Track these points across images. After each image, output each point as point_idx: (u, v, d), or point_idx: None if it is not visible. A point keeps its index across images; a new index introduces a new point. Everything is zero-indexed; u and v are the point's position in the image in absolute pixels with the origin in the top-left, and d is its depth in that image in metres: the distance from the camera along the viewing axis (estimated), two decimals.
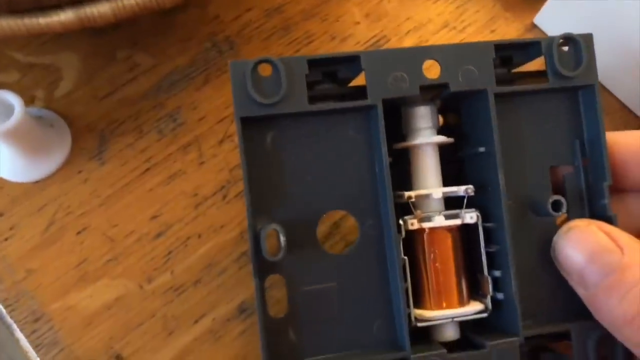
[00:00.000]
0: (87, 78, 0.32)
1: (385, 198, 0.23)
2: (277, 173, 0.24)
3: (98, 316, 0.28)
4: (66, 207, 0.29)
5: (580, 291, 0.23)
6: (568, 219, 0.25)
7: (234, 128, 0.32)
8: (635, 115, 0.35)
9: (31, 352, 0.27)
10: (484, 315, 0.25)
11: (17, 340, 0.28)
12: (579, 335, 0.24)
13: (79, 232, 0.29)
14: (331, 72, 0.25)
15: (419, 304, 0.25)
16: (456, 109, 0.27)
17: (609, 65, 0.33)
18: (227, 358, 0.28)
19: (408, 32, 0.35)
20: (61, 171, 0.30)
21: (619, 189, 0.26)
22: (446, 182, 0.26)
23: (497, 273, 0.24)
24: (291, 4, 0.35)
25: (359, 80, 0.24)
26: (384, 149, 0.23)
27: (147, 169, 0.31)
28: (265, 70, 0.23)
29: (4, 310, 0.28)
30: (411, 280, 0.24)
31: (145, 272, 0.29)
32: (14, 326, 0.27)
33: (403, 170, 0.26)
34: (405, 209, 0.24)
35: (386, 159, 0.23)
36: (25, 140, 0.29)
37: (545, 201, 0.24)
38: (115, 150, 0.31)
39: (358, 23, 0.35)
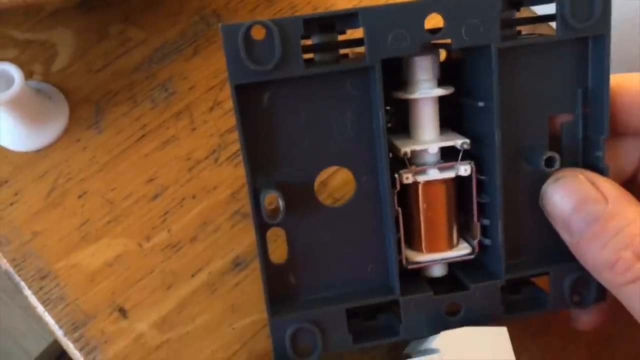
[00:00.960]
0: (82, 53, 0.34)
1: (382, 156, 0.24)
2: (273, 134, 0.24)
3: (100, 273, 0.30)
4: (67, 174, 0.31)
5: (566, 238, 0.24)
6: (560, 167, 0.26)
7: (223, 95, 0.34)
8: None
9: (40, 307, 0.29)
10: (471, 257, 0.26)
11: (25, 297, 0.29)
12: (557, 276, 0.26)
13: (79, 196, 0.31)
14: (329, 25, 0.24)
15: (411, 246, 0.26)
16: (459, 84, 0.27)
17: None
18: (223, 308, 0.30)
19: (388, 1, 0.37)
20: (61, 140, 0.32)
21: (618, 132, 0.26)
22: (445, 124, 0.26)
23: (486, 222, 0.26)
24: None
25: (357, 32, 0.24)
26: (382, 111, 0.23)
27: (142, 136, 0.32)
28: (258, 33, 0.22)
29: (12, 270, 0.29)
30: (405, 225, 0.25)
31: (143, 231, 0.31)
32: (23, 284, 0.29)
33: (404, 118, 0.26)
34: (402, 160, 0.25)
35: (383, 120, 0.23)
36: (25, 110, 0.30)
37: (540, 154, 0.24)
38: (111, 120, 0.32)
39: None
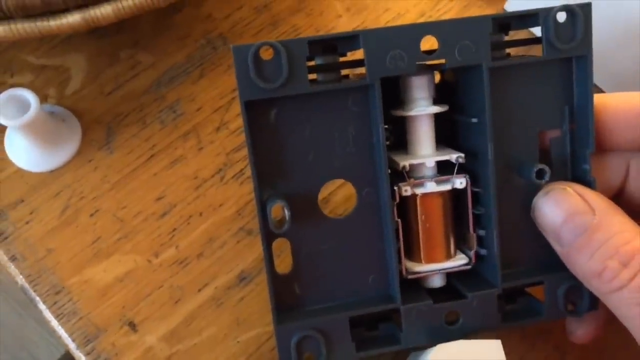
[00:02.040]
0: (94, 76, 0.35)
1: (382, 169, 0.25)
2: (280, 147, 0.26)
3: (111, 288, 0.31)
4: (79, 193, 0.33)
5: (557, 248, 0.26)
6: (550, 180, 0.27)
7: (228, 116, 0.35)
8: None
9: (54, 321, 0.30)
10: (468, 267, 0.27)
11: (40, 311, 0.31)
12: (551, 286, 0.27)
13: (91, 214, 0.32)
14: (331, 47, 0.26)
15: (411, 257, 0.27)
16: (454, 101, 0.28)
17: None
18: (229, 322, 0.31)
19: (387, 22, 0.38)
20: (73, 161, 0.33)
21: (605, 149, 0.28)
22: (441, 140, 0.28)
23: (482, 232, 0.27)
24: (278, 1, 0.38)
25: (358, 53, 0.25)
26: (382, 126, 0.25)
27: (151, 156, 0.34)
28: (266, 53, 0.24)
29: (27, 285, 0.31)
30: (404, 237, 0.27)
31: (152, 247, 0.32)
32: (38, 299, 0.31)
33: (402, 135, 0.28)
34: (401, 174, 0.26)
35: (383, 135, 0.25)
36: (40, 133, 0.32)
37: (531, 167, 0.26)
38: (122, 140, 0.34)
39: (340, 16, 0.38)
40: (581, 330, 0.28)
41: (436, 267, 0.27)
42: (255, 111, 0.25)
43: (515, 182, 0.27)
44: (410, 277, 0.27)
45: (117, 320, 0.30)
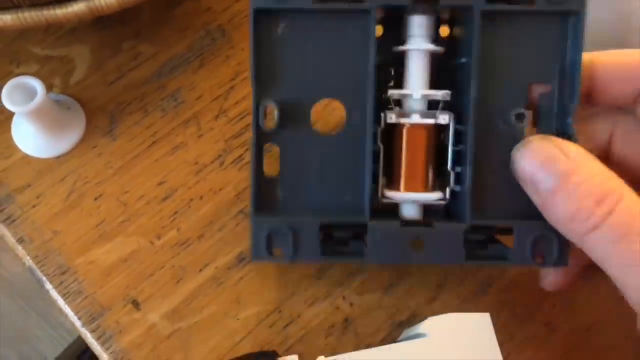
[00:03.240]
0: (97, 66, 0.36)
1: (371, 92, 0.27)
2: (281, 60, 0.28)
3: (115, 268, 0.32)
4: (84, 178, 0.34)
5: (534, 198, 0.26)
6: (538, 133, 0.28)
7: (227, 104, 0.36)
8: None
9: (60, 300, 0.31)
10: (442, 202, 0.29)
11: (47, 291, 0.32)
12: (520, 233, 0.28)
13: (96, 198, 0.33)
14: None
15: (391, 186, 0.29)
16: (448, 45, 0.30)
17: None
18: (228, 301, 0.32)
19: None
20: (78, 147, 0.34)
21: (592, 103, 0.29)
22: (442, 87, 0.28)
23: (459, 169, 0.28)
24: None
25: None
26: (373, 51, 0.27)
27: (153, 142, 0.35)
28: None
29: (34, 266, 0.32)
30: (387, 166, 0.28)
31: (154, 230, 0.33)
32: (44, 279, 0.32)
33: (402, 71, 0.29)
34: (392, 107, 0.28)
35: (373, 59, 0.27)
36: (46, 120, 0.33)
37: (512, 109, 0.27)
38: (125, 128, 0.35)
39: None
40: (551, 278, 0.29)
41: (412, 196, 0.28)
42: (263, 24, 0.27)
43: (499, 130, 0.28)
44: (385, 201, 0.28)
45: (121, 299, 0.32)
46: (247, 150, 0.35)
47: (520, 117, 0.28)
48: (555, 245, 0.28)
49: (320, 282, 0.33)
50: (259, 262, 0.29)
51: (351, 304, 0.32)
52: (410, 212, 0.29)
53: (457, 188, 0.28)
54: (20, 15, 0.27)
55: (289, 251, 0.28)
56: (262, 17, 0.27)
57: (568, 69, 0.28)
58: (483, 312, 0.28)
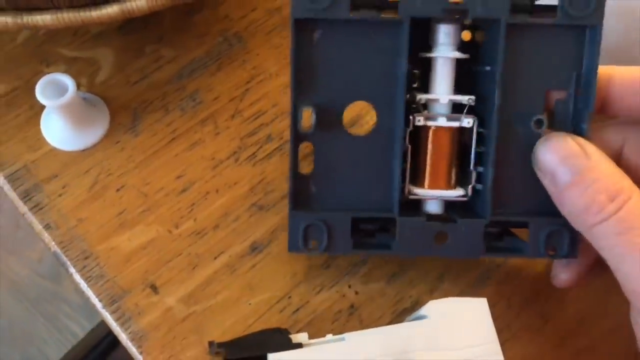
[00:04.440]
0: (121, 68, 0.39)
1: (400, 97, 0.30)
2: (317, 66, 0.30)
3: (135, 254, 0.34)
4: (107, 170, 0.36)
5: (551, 189, 0.29)
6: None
7: (242, 105, 0.39)
8: None
9: (82, 283, 0.33)
10: (464, 199, 0.31)
11: (71, 275, 0.34)
12: (535, 228, 0.30)
13: (118, 190, 0.36)
14: None
15: (416, 183, 0.31)
16: (473, 52, 0.32)
17: None
18: (241, 287, 0.34)
19: None
20: (102, 142, 0.37)
21: (607, 114, 0.31)
22: (464, 91, 0.31)
23: (481, 169, 0.31)
24: (288, 5, 0.42)
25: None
26: (405, 59, 0.29)
27: (173, 139, 0.37)
28: None
29: (59, 251, 0.34)
30: (414, 165, 0.31)
31: (173, 219, 0.35)
32: (68, 263, 0.34)
33: (428, 80, 0.31)
34: (419, 109, 0.31)
35: (405, 67, 0.29)
36: (74, 115, 0.35)
37: (531, 117, 0.29)
38: (146, 125, 0.37)
39: None
40: (564, 276, 0.32)
41: (436, 192, 0.31)
42: (302, 31, 0.29)
43: (518, 133, 0.30)
44: (411, 197, 0.31)
45: (140, 283, 0.33)
46: (260, 147, 0.37)
47: (539, 123, 0.30)
48: (567, 239, 0.30)
49: (327, 271, 0.35)
50: (295, 253, 0.31)
51: (356, 292, 0.34)
52: (433, 207, 0.31)
53: (479, 186, 0.31)
54: (59, 15, 0.30)
55: (322, 244, 0.30)
56: (300, 26, 0.29)
57: (584, 77, 0.30)
58: (481, 297, 0.30)
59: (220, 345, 0.29)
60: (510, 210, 0.31)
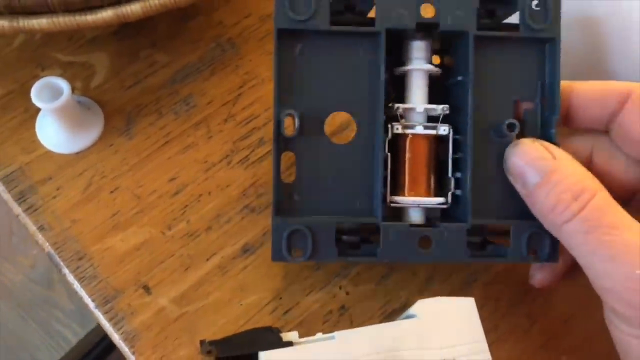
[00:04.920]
0: (116, 72, 0.39)
1: (381, 106, 0.31)
2: (299, 76, 0.31)
3: (129, 255, 0.35)
4: (101, 172, 0.36)
5: (522, 192, 0.30)
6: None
7: (235, 109, 0.39)
8: None
9: (76, 284, 0.34)
10: (444, 206, 0.32)
11: (64, 275, 0.34)
12: (516, 230, 0.31)
13: (112, 191, 0.36)
14: (351, 6, 0.32)
15: (396, 192, 0.32)
16: (452, 53, 0.33)
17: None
18: (232, 288, 0.34)
19: None
20: (97, 144, 0.37)
21: (572, 128, 0.33)
22: (438, 103, 0.32)
23: (459, 174, 0.31)
24: None
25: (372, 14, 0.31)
26: (383, 68, 0.30)
27: (166, 142, 0.38)
28: None
29: (53, 252, 0.34)
30: (393, 174, 0.31)
31: (165, 221, 0.36)
32: (62, 264, 0.34)
33: (404, 94, 0.33)
34: (397, 118, 0.32)
35: (383, 76, 0.30)
36: (69, 118, 0.36)
37: (504, 121, 0.31)
38: (140, 128, 0.38)
39: None
40: (540, 275, 0.33)
41: (416, 200, 0.31)
42: (284, 44, 0.31)
43: (493, 140, 0.32)
44: (393, 205, 0.31)
45: (133, 284, 0.34)
46: (252, 151, 0.38)
47: (511, 127, 0.31)
48: (547, 242, 0.31)
49: (318, 273, 0.35)
50: (279, 262, 0.31)
51: (347, 293, 0.35)
52: (415, 216, 0.32)
53: (458, 192, 0.32)
54: (54, 19, 0.30)
55: (307, 252, 0.30)
56: (283, 37, 0.30)
57: (548, 87, 0.32)
58: (468, 297, 0.30)
59: (212, 343, 0.30)
60: (490, 214, 0.32)
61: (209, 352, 0.30)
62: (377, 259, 0.30)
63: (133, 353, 0.32)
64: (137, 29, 0.40)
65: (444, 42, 0.33)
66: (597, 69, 0.40)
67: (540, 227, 0.30)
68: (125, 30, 0.41)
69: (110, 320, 0.33)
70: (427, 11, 0.31)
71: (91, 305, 0.34)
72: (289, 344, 0.29)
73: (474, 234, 0.32)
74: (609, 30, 0.38)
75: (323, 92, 0.31)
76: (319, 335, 0.30)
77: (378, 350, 0.29)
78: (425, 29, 0.31)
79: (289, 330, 0.33)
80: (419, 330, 0.29)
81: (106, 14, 0.31)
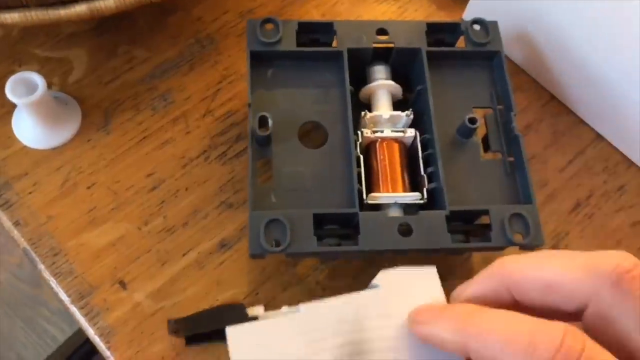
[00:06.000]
0: (94, 68, 0.39)
1: (349, 113, 0.33)
2: (271, 93, 0.34)
3: (105, 251, 0.34)
4: (78, 168, 0.36)
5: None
6: (490, 149, 0.34)
7: (214, 105, 0.39)
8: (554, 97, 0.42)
9: (52, 280, 0.34)
10: (421, 201, 0.32)
11: (40, 271, 0.34)
12: (495, 213, 0.31)
13: (88, 187, 0.36)
14: (315, 39, 0.36)
15: (373, 190, 0.32)
16: (408, 86, 0.36)
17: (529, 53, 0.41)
18: (209, 283, 0.34)
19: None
20: (74, 140, 0.37)
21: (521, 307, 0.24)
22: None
23: (431, 169, 0.33)
24: (260, 7, 0.43)
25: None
26: (347, 81, 0.34)
27: (144, 138, 0.38)
28: (268, 26, 0.35)
29: (29, 247, 0.34)
30: (368, 177, 0.33)
31: (142, 217, 0.35)
32: (37, 259, 0.34)
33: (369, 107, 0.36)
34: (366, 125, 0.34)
35: (348, 89, 0.34)
36: (45, 113, 0.36)
37: (465, 117, 0.33)
38: (117, 124, 0.38)
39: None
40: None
41: (393, 195, 0.32)
42: (256, 65, 0.34)
43: (459, 143, 0.35)
44: (371, 202, 0.32)
45: (109, 279, 0.34)
46: (230, 147, 0.38)
47: (472, 121, 0.33)
48: (530, 223, 0.31)
49: (294, 269, 0.35)
50: (258, 258, 0.30)
51: (324, 289, 0.35)
52: (393, 210, 0.32)
53: (433, 185, 0.32)
54: (27, 13, 0.30)
55: (286, 241, 0.30)
56: (255, 59, 0.34)
57: (501, 93, 0.36)
58: (430, 265, 0.30)
59: (177, 322, 0.30)
60: (467, 201, 0.33)
61: (175, 332, 0.30)
62: (359, 247, 0.30)
63: (109, 348, 0.32)
64: (116, 24, 0.40)
65: (398, 69, 0.36)
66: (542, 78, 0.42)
67: (519, 209, 0.31)
68: (104, 26, 0.41)
69: (85, 315, 0.33)
70: (383, 37, 0.35)
71: (67, 300, 0.33)
72: (255, 318, 0.29)
73: (456, 223, 0.32)
74: (543, 43, 0.40)
75: (294, 105, 0.34)
76: (285, 308, 0.30)
77: (343, 320, 0.29)
78: (382, 52, 0.35)
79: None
80: (381, 300, 0.29)
81: (80, 9, 0.31)
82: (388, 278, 0.29)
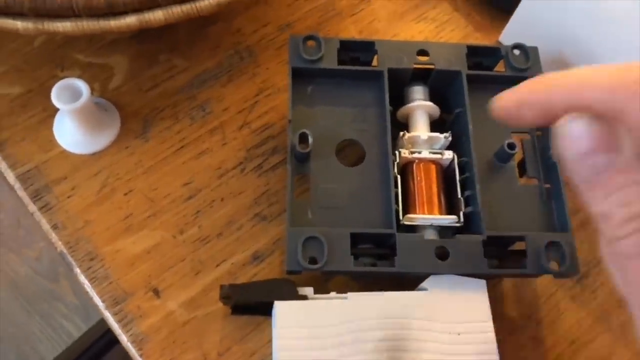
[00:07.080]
0: (134, 75, 0.40)
1: (389, 132, 0.34)
2: (311, 110, 0.35)
3: (140, 258, 0.35)
4: (116, 174, 0.37)
5: (573, 177, 0.22)
6: (526, 174, 0.34)
7: (251, 117, 0.40)
8: None
9: (87, 284, 0.34)
10: (457, 224, 0.32)
11: (75, 275, 0.35)
12: (531, 241, 0.31)
13: (126, 194, 0.36)
14: (355, 58, 0.36)
15: (410, 211, 0.33)
16: (445, 107, 0.37)
17: None
18: None
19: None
20: (112, 146, 0.38)
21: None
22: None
23: (468, 192, 0.33)
24: (299, 21, 0.43)
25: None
26: (387, 101, 0.34)
27: (181, 147, 0.38)
28: (310, 43, 0.35)
29: (66, 251, 0.35)
30: (405, 198, 0.33)
31: (177, 225, 0.36)
32: (74, 263, 0.34)
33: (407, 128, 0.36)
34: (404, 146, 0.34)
35: (387, 109, 0.34)
36: (86, 119, 0.36)
37: (504, 142, 0.33)
38: (156, 132, 0.38)
39: (354, 37, 0.43)
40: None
41: (429, 217, 0.32)
42: (298, 82, 0.35)
43: (495, 166, 0.35)
44: (407, 223, 0.32)
45: (143, 287, 0.34)
46: (266, 159, 0.38)
47: (511, 146, 0.33)
48: (566, 252, 0.31)
49: (327, 284, 0.35)
50: (294, 274, 0.30)
51: None
52: (428, 233, 0.32)
53: (469, 209, 0.32)
54: (79, 23, 0.31)
55: (322, 260, 0.30)
56: (297, 76, 0.34)
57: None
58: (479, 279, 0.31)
59: (231, 286, 0.30)
60: (504, 227, 0.33)
61: (226, 297, 0.31)
62: (396, 269, 0.30)
63: (141, 355, 0.33)
64: (158, 33, 0.41)
65: (435, 90, 0.37)
66: None
67: (555, 237, 0.31)
68: (145, 34, 0.41)
69: (119, 321, 0.33)
70: (423, 58, 0.36)
71: (101, 306, 0.34)
72: (304, 297, 0.30)
73: (491, 248, 0.32)
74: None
75: (333, 122, 0.35)
76: (333, 294, 0.31)
77: (387, 315, 0.30)
78: (421, 73, 0.36)
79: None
80: (428, 303, 0.30)
81: (130, 20, 0.31)
82: (437, 283, 0.30)
